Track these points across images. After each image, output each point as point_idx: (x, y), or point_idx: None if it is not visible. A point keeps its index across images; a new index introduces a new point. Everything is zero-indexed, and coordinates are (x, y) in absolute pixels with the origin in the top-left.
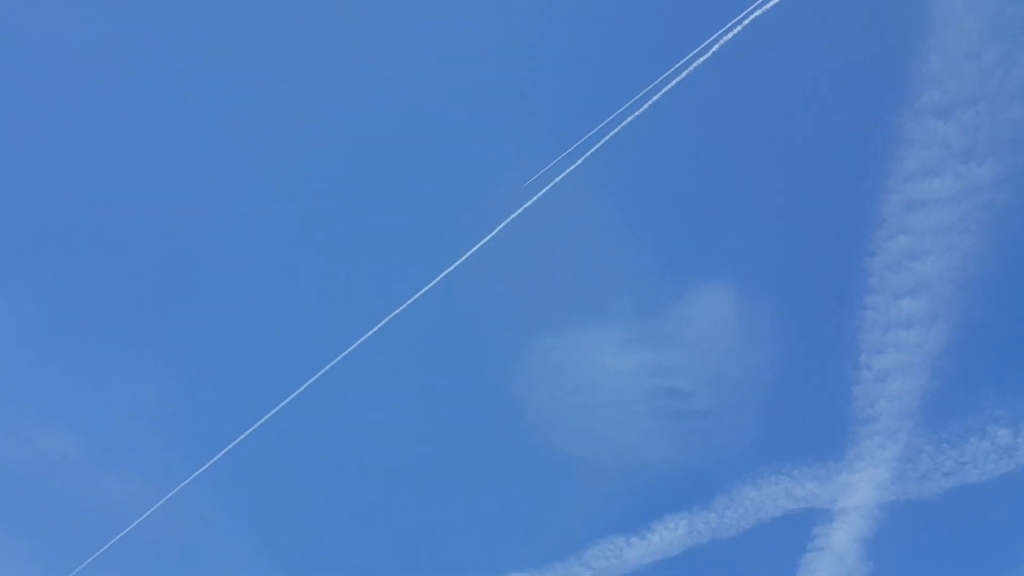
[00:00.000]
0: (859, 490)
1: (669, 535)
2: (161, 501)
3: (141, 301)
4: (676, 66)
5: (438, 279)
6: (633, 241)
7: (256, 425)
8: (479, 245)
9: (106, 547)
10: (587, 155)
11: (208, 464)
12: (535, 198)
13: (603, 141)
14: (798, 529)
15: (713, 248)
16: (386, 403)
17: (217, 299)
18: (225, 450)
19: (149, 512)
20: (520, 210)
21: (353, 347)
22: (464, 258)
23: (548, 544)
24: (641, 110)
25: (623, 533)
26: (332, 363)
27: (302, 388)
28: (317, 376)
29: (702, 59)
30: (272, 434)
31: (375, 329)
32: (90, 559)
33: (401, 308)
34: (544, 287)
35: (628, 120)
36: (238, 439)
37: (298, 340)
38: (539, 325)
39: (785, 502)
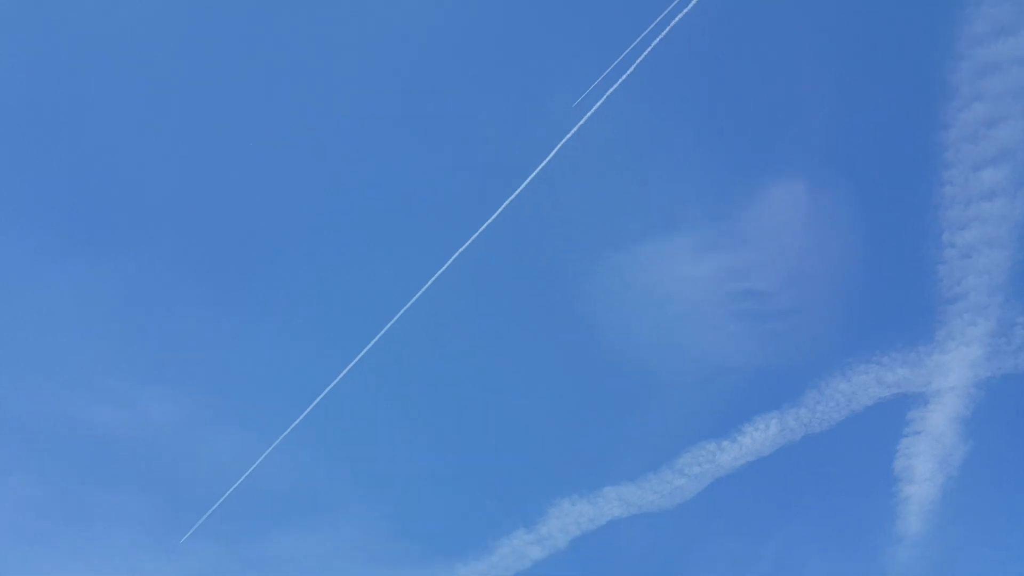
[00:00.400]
0: (952, 370)
1: (760, 436)
2: (265, 452)
3: (225, 265)
4: None
5: (502, 208)
6: (695, 145)
7: (346, 370)
8: (537, 171)
9: (220, 502)
10: (634, 66)
11: (305, 412)
12: (586, 116)
13: (649, 49)
14: (892, 416)
15: (778, 141)
16: (467, 335)
17: (294, 249)
18: (320, 396)
19: (256, 464)
20: (573, 130)
21: (429, 283)
22: (525, 184)
23: (641, 456)
24: (686, 10)
25: (714, 438)
26: (412, 300)
27: (387, 327)
28: (399, 314)
29: None
30: (362, 376)
31: (447, 264)
32: (206, 514)
33: (469, 241)
34: (609, 204)
35: (673, 23)
36: (331, 384)
37: (375, 282)
38: (608, 243)
39: (877, 390)
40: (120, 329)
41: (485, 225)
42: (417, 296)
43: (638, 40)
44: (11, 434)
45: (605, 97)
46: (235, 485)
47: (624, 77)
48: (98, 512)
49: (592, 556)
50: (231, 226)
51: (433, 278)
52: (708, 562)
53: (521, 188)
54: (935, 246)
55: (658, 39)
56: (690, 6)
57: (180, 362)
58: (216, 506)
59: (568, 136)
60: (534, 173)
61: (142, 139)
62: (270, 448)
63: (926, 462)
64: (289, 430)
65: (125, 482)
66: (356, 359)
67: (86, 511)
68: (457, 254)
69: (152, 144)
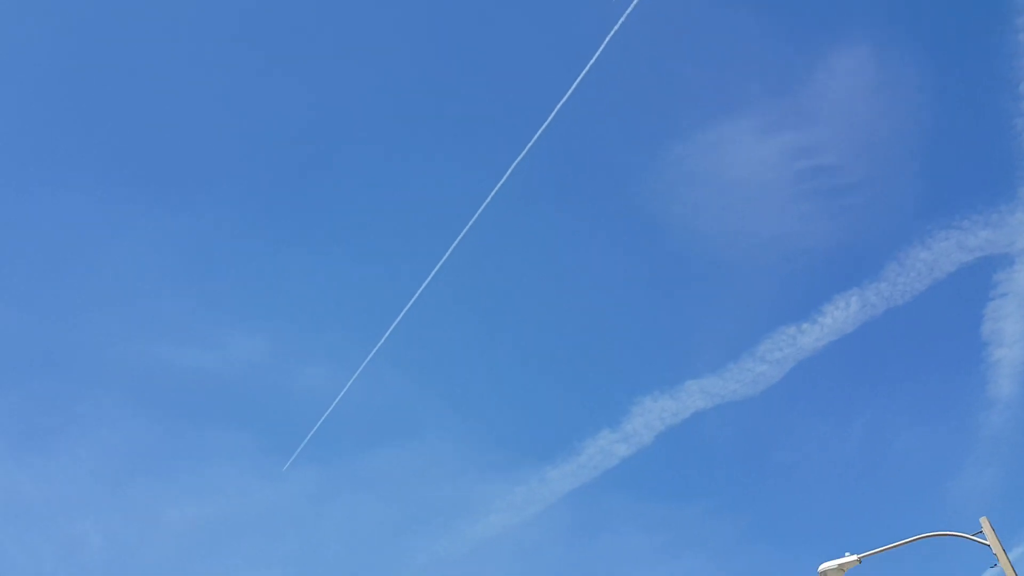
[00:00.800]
0: None
1: (841, 314)
2: (352, 377)
3: (294, 205)
4: None
5: (556, 110)
6: (748, 21)
7: (421, 288)
8: (588, 66)
9: (315, 428)
10: None
11: (386, 334)
12: (631, 7)
13: None
14: (977, 279)
15: (837, 3)
16: (538, 240)
17: (357, 174)
18: (399, 317)
19: (345, 389)
20: (619, 23)
21: (493, 192)
22: (577, 82)
23: (720, 347)
24: None
25: (794, 322)
26: (478, 212)
27: (459, 239)
28: (469, 225)
29: None
30: (437, 293)
31: (509, 171)
32: (304, 441)
33: (528, 146)
34: (665, 94)
35: None
36: (408, 304)
37: (439, 198)
38: (670, 133)
39: (959, 255)
40: (203, 276)
41: (542, 128)
42: (483, 206)
43: None
44: (119, 381)
45: None
46: (328, 411)
47: None
48: (204, 448)
49: (679, 449)
50: (298, 166)
51: (497, 187)
52: (797, 445)
53: (573, 88)
54: (1011, 98)
55: None
56: None
57: (262, 301)
58: (312, 433)
59: (614, 30)
60: (584, 71)
61: (212, 101)
62: (357, 372)
63: (1015, 323)
64: (373, 353)
65: (225, 418)
66: (430, 276)
67: (194, 448)
68: (518, 160)
69: (223, 102)
